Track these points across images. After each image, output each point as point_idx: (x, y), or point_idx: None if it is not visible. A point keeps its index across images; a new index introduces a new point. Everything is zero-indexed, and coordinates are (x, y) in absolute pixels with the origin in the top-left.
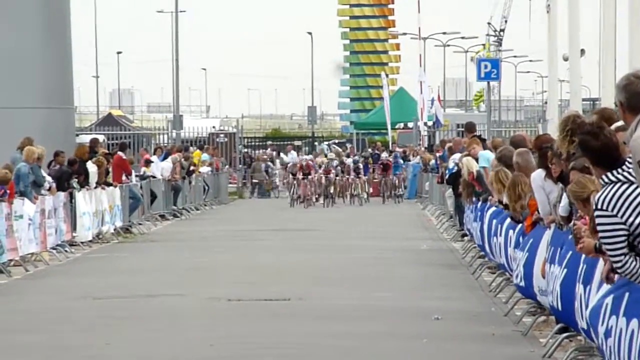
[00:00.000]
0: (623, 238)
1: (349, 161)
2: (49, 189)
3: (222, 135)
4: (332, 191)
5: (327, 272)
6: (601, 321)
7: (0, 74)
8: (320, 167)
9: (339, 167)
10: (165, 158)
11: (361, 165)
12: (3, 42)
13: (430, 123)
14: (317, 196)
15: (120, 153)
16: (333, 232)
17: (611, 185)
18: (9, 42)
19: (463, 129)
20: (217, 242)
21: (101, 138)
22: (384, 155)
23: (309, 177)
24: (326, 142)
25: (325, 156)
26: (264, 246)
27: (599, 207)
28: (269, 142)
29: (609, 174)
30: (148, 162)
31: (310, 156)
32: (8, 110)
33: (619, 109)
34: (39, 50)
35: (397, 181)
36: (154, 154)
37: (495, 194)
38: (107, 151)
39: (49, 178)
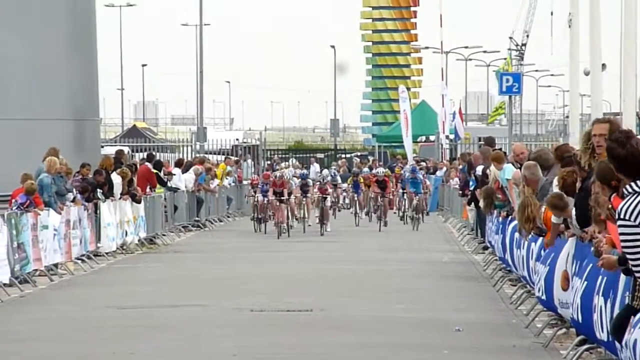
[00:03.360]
0: None
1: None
2: (73, 200)
3: (245, 148)
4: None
5: (348, 283)
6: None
7: (26, 85)
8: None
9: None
10: (187, 170)
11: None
12: (30, 54)
13: (452, 136)
14: (293, 221)
15: (147, 164)
16: (355, 244)
17: (634, 196)
18: (35, 54)
19: (483, 143)
20: (239, 253)
21: (126, 150)
22: (380, 170)
23: (283, 197)
24: (349, 155)
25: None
26: (286, 257)
27: (622, 216)
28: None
29: (632, 184)
30: (169, 175)
31: (289, 169)
32: (34, 122)
33: None
34: (65, 62)
35: (409, 201)
36: (176, 166)
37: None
38: (135, 162)
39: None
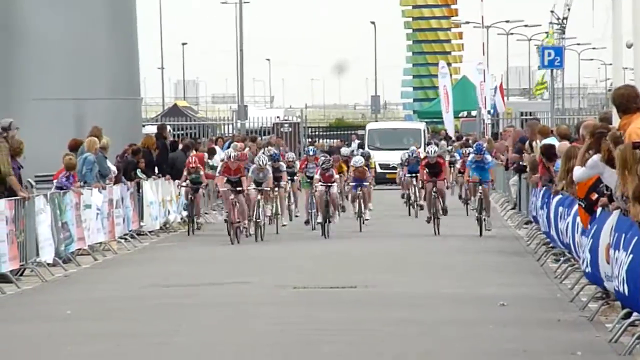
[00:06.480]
0: None
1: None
2: (116, 180)
3: (286, 125)
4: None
5: (392, 259)
6: None
7: (68, 66)
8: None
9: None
10: (228, 148)
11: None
12: (71, 35)
13: (492, 111)
14: (249, 221)
15: (206, 155)
16: (398, 221)
17: None
18: (76, 35)
19: (525, 117)
20: (282, 231)
21: (167, 129)
22: (432, 149)
23: (239, 188)
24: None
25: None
26: (336, 230)
27: None
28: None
29: None
30: (211, 153)
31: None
32: (76, 102)
33: None
34: (105, 42)
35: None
36: (215, 144)
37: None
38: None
39: (113, 168)
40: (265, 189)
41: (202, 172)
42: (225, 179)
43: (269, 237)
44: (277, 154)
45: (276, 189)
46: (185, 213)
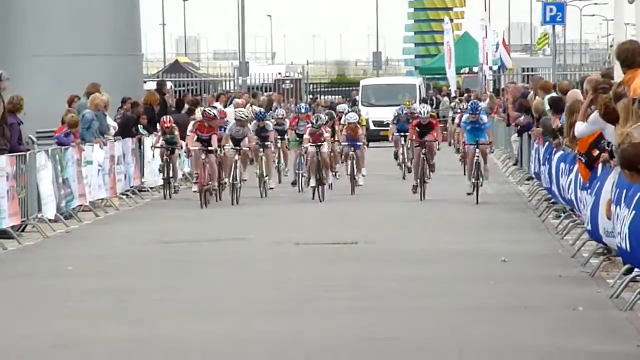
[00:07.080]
0: None
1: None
2: (115, 136)
3: (287, 82)
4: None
5: (392, 217)
6: None
7: (68, 21)
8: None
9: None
10: (230, 104)
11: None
12: None
13: (495, 67)
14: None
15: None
16: (393, 181)
17: None
18: None
19: (527, 73)
20: (283, 188)
21: (168, 85)
22: (424, 109)
23: (210, 148)
24: None
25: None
26: (329, 192)
27: None
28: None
29: None
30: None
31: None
32: (77, 58)
33: None
34: None
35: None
36: (217, 100)
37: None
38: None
39: (113, 123)
40: (244, 148)
41: (176, 132)
42: (196, 137)
43: (255, 200)
44: (263, 112)
45: (262, 149)
46: (187, 169)
